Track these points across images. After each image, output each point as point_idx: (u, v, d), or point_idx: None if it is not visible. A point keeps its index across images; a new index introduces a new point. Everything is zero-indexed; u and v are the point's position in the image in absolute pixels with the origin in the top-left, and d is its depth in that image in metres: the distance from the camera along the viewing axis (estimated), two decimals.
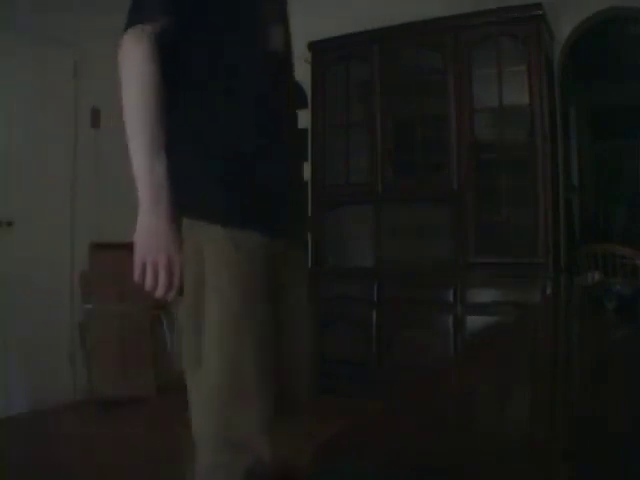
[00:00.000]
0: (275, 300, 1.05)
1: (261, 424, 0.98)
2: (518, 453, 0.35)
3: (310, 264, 3.77)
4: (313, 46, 3.74)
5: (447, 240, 3.35)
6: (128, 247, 4.13)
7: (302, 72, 4.06)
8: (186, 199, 1.04)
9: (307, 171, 3.88)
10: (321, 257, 3.75)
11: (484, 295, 3.14)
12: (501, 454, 0.35)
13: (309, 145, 3.86)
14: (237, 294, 0.99)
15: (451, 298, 3.22)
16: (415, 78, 3.52)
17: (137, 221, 1.06)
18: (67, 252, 3.38)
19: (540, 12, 3.14)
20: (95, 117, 3.53)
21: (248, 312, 0.99)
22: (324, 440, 0.33)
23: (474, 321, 3.12)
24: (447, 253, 3.33)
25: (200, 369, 0.99)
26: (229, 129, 1.05)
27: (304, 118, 3.99)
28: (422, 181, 3.44)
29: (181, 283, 1.03)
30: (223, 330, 0.98)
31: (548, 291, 2.97)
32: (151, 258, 1.05)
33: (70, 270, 3.37)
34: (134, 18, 1.01)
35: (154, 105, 1.00)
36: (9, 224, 3.08)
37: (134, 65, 1.00)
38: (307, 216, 1.27)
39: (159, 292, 1.04)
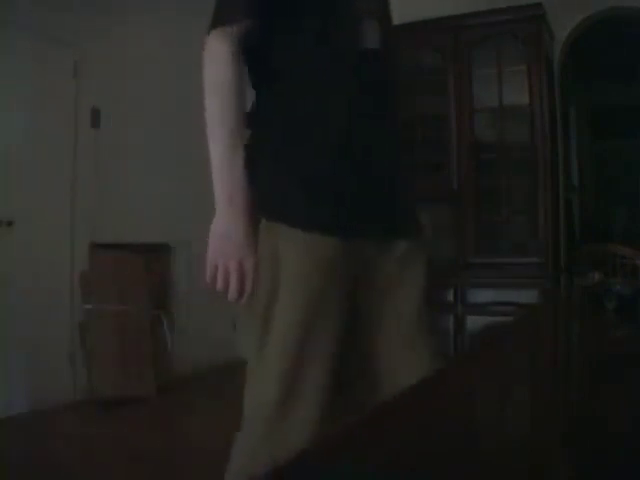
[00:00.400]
0: (362, 307, 1.05)
1: (305, 438, 0.96)
2: (519, 453, 0.35)
3: None
4: None
5: (447, 240, 3.35)
6: (128, 247, 4.16)
7: None
8: (265, 200, 1.03)
9: None
10: None
11: (484, 295, 3.14)
12: (502, 454, 0.35)
13: None
14: (310, 300, 0.98)
15: (451, 298, 3.22)
16: (415, 78, 3.52)
17: (213, 221, 1.05)
18: (67, 252, 3.38)
19: (540, 12, 3.14)
20: (95, 117, 3.53)
21: (319, 317, 0.98)
22: (324, 439, 0.33)
23: (474, 321, 3.12)
24: (447, 253, 3.33)
25: (260, 366, 1.01)
26: (313, 132, 1.02)
27: None
28: (422, 181, 3.44)
29: (253, 288, 1.01)
30: (290, 333, 0.97)
31: (548, 291, 2.97)
32: (222, 263, 1.02)
33: (70, 270, 3.37)
34: (218, 19, 1.01)
35: (234, 105, 1.00)
36: (9, 224, 3.08)
37: (216, 66, 1.01)
38: (410, 218, 1.15)
39: (230, 297, 1.02)
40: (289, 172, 1.02)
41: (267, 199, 1.03)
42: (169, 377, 3.68)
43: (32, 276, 3.10)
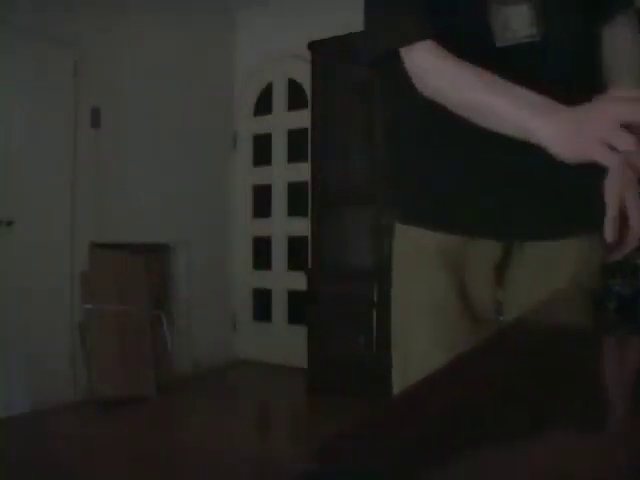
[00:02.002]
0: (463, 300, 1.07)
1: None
2: (521, 454, 0.35)
3: (310, 264, 3.78)
4: (313, 46, 3.74)
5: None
6: (128, 247, 4.15)
7: (302, 72, 4.08)
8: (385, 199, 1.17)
9: (307, 171, 3.88)
10: (321, 257, 3.75)
11: None
12: (503, 455, 0.35)
13: (309, 145, 3.87)
14: (396, 282, 1.12)
15: None
16: None
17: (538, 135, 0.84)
18: (67, 252, 3.38)
19: None
20: (95, 117, 3.53)
21: (408, 285, 1.11)
22: (324, 440, 0.33)
23: None
24: None
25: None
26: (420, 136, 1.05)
27: (305, 117, 4.00)
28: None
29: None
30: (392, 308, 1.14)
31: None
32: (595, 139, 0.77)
33: (70, 270, 3.37)
34: (406, 38, 0.95)
35: (468, 77, 0.90)
36: (9, 224, 3.08)
37: (434, 69, 0.94)
38: (549, 219, 1.05)
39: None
40: (392, 172, 1.12)
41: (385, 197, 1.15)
42: (169, 377, 3.68)
43: (32, 276, 3.10)
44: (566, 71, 0.97)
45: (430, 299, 1.07)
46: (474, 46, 0.93)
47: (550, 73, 0.95)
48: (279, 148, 4.44)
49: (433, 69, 0.93)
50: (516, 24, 0.94)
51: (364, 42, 1.03)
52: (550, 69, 0.95)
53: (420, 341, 1.08)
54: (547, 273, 1.06)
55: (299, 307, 4.05)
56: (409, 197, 1.10)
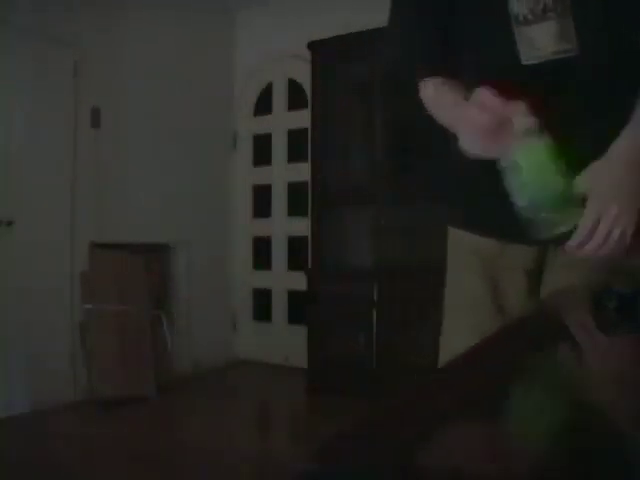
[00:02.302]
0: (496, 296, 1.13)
1: None
2: (518, 454, 0.35)
3: (310, 264, 3.78)
4: (313, 46, 3.74)
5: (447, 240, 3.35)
6: (128, 247, 4.16)
7: (302, 72, 4.08)
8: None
9: (307, 171, 3.88)
10: (321, 257, 3.75)
11: None
12: (501, 454, 0.35)
13: (309, 145, 3.86)
14: (448, 275, 1.22)
15: None
16: None
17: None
18: (67, 252, 3.38)
19: None
20: (95, 117, 3.53)
21: (450, 286, 1.22)
22: (324, 440, 0.33)
23: None
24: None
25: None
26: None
27: (305, 117, 4.00)
28: (422, 181, 3.44)
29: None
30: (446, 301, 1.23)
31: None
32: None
33: (70, 270, 3.37)
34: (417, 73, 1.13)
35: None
36: (9, 224, 3.08)
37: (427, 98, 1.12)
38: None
39: None
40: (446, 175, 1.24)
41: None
42: (169, 377, 3.68)
43: (32, 276, 3.10)
44: (599, 86, 0.95)
45: (465, 301, 1.15)
46: (502, 65, 0.97)
47: (581, 88, 0.94)
48: (279, 148, 4.44)
49: (437, 101, 1.09)
50: (542, 41, 0.94)
51: (384, 52, 1.22)
52: (581, 84, 0.94)
53: (457, 342, 1.10)
54: (579, 274, 1.06)
55: (299, 307, 4.05)
56: (450, 199, 1.23)
